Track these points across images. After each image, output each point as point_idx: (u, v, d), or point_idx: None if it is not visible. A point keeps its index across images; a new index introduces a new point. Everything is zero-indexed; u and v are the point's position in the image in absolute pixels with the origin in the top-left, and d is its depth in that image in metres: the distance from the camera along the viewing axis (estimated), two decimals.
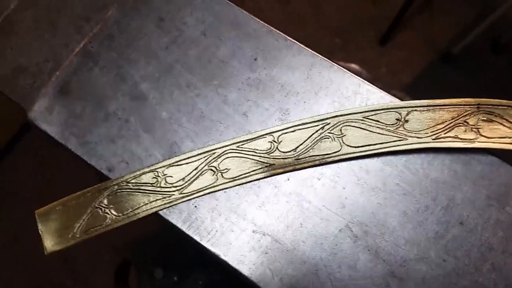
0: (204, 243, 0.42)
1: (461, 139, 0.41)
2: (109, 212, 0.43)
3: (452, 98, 0.42)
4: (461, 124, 0.42)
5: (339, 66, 0.45)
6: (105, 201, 0.44)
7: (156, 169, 0.44)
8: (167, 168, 0.44)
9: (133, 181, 0.44)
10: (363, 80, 0.45)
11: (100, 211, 0.43)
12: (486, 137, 0.41)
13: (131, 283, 1.10)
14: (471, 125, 0.41)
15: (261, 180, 0.43)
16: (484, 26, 1.38)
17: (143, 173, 0.44)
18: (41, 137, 0.48)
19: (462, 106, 0.42)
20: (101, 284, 1.30)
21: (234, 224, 0.43)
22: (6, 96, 0.48)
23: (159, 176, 0.44)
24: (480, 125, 0.42)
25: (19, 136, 1.42)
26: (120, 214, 0.43)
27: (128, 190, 0.44)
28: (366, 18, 1.53)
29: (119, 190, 0.44)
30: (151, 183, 0.44)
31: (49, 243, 0.43)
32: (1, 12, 0.51)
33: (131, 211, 0.43)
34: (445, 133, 0.42)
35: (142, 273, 0.93)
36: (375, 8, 1.54)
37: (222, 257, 0.42)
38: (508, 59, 1.45)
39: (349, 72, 0.45)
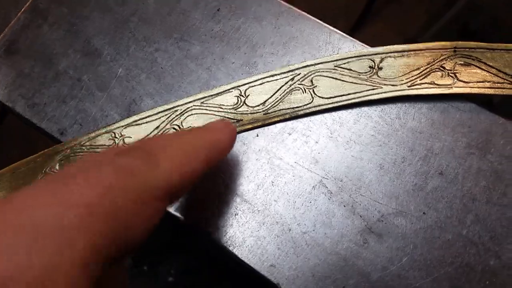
0: (168, 208, 0.39)
1: (437, 85, 0.39)
2: None
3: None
4: (437, 69, 0.39)
5: (308, 15, 0.43)
6: (57, 167, 0.40)
7: (113, 129, 0.40)
8: (125, 128, 0.40)
9: (87, 143, 0.40)
10: (334, 29, 0.42)
11: None
12: (464, 82, 0.39)
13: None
14: (448, 70, 0.39)
15: None
16: (452, 13, 1.38)
17: (99, 135, 0.40)
18: None
19: (437, 50, 0.40)
20: None
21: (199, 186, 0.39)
22: None
23: (117, 137, 0.40)
24: (457, 70, 0.39)
25: None
26: None
27: (82, 153, 0.40)
28: (335, 9, 1.52)
29: (72, 154, 0.40)
30: (108, 145, 0.40)
31: None
32: None
33: None
34: (420, 80, 0.39)
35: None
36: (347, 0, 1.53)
37: (187, 221, 0.39)
38: None
39: (319, 21, 0.42)
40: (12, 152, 1.35)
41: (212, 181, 0.39)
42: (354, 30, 1.46)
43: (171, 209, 0.39)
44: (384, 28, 1.49)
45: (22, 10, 0.44)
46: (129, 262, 0.86)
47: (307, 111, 0.40)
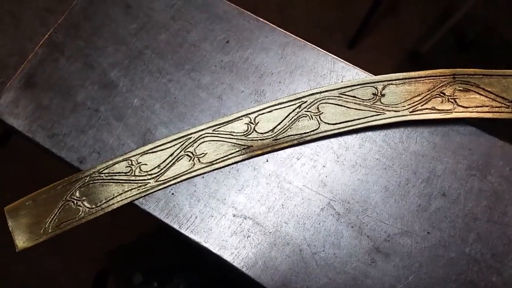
0: (183, 230, 0.41)
1: (438, 110, 0.41)
2: (81, 205, 0.41)
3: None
4: (437, 95, 0.41)
5: (312, 45, 0.45)
6: (77, 194, 0.42)
7: (129, 157, 0.42)
8: (141, 156, 0.42)
9: (105, 171, 0.42)
10: (338, 58, 0.44)
11: (72, 204, 0.41)
12: (463, 107, 0.41)
13: None
14: (448, 95, 0.41)
15: (239, 163, 0.42)
16: (449, 25, 1.41)
17: (116, 162, 0.42)
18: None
19: (437, 77, 0.42)
20: None
21: (214, 210, 0.41)
22: None
23: (133, 165, 0.42)
24: (456, 95, 0.41)
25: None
26: (93, 206, 0.41)
27: (101, 180, 0.42)
28: (333, 22, 1.54)
29: (91, 182, 0.42)
30: (125, 172, 0.42)
31: (20, 240, 0.41)
32: None
33: (105, 202, 0.41)
34: (422, 105, 0.41)
35: (120, 280, 0.91)
36: (342, 13, 1.55)
37: (203, 243, 0.40)
38: (474, 55, 1.47)
39: (323, 50, 0.44)
40: (11, 172, 1.36)
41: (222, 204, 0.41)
42: (353, 42, 1.48)
43: (186, 231, 0.41)
44: (381, 39, 1.51)
45: (40, 44, 0.46)
46: (139, 278, 0.87)
47: (314, 136, 0.42)
